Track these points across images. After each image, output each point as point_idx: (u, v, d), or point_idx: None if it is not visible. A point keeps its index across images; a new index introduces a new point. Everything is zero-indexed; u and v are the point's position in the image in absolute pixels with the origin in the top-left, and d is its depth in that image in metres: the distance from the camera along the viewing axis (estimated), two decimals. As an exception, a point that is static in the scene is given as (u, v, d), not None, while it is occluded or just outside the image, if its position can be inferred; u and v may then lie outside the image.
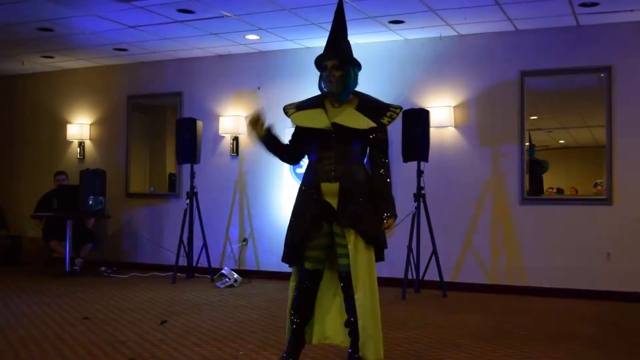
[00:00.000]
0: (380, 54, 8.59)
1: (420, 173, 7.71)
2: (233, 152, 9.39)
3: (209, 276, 8.68)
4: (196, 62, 9.70)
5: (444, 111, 8.18)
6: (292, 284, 4.22)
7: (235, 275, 8.30)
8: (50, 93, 10.90)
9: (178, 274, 8.69)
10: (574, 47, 7.76)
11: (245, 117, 9.11)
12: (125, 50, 9.33)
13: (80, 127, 10.50)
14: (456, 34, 8.19)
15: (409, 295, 7.51)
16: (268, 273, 8.97)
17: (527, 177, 7.95)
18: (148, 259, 9.85)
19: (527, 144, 7.95)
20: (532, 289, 7.74)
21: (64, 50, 9.44)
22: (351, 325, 4.05)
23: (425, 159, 7.72)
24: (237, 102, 9.39)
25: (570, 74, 7.92)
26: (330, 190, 3.99)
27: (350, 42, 4.19)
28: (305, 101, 4.30)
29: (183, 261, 8.84)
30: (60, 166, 10.42)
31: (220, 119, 9.44)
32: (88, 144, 10.55)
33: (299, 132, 4.20)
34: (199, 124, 8.94)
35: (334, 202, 3.98)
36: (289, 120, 4.20)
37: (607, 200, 7.59)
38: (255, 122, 4.12)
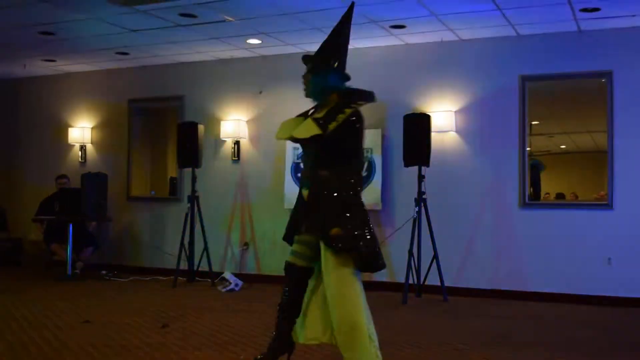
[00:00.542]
0: (382, 58, 8.60)
1: (421, 178, 7.71)
2: (234, 157, 9.39)
3: (209, 280, 8.68)
4: (198, 66, 9.71)
5: (445, 116, 8.19)
6: None
7: (237, 280, 8.30)
8: (51, 96, 10.91)
9: (179, 277, 8.69)
10: (575, 52, 7.77)
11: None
12: (127, 54, 9.35)
13: (81, 130, 10.51)
14: (457, 38, 8.20)
15: (410, 300, 7.50)
16: (269, 277, 8.95)
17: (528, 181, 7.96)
18: (149, 262, 9.85)
19: (528, 149, 7.95)
20: (533, 294, 7.73)
21: (66, 54, 9.45)
22: None
23: (427, 164, 7.73)
24: (239, 106, 9.39)
25: (571, 79, 7.92)
26: (306, 195, 4.06)
27: (346, 47, 4.21)
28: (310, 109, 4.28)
29: (184, 265, 8.84)
30: (62, 169, 10.43)
31: (222, 123, 9.45)
32: (89, 147, 10.56)
33: None
34: (200, 128, 8.96)
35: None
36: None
37: (608, 205, 7.58)
38: None
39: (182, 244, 8.73)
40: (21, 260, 10.67)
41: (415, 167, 7.76)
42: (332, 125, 3.87)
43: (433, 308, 7.24)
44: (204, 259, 8.78)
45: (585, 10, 6.98)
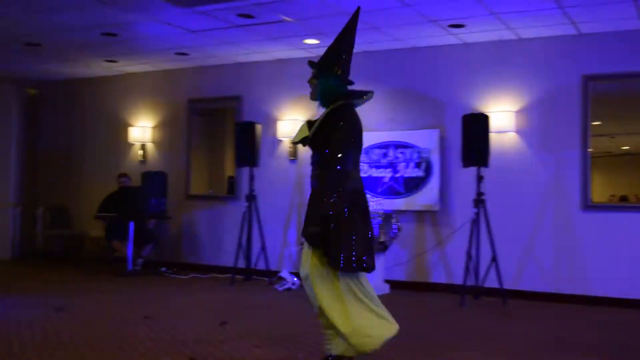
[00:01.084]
0: (440, 58, 8.52)
1: (480, 179, 7.61)
2: (292, 156, 9.43)
3: (266, 279, 8.74)
4: (255, 66, 9.78)
5: (504, 116, 8.06)
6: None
7: (294, 278, 8.34)
8: (113, 96, 11.16)
9: (237, 275, 8.77)
10: (639, 51, 7.56)
11: None
12: (186, 54, 9.48)
13: (142, 130, 10.71)
14: (517, 37, 8.06)
15: (468, 303, 7.41)
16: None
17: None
18: (207, 260, 9.97)
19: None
20: (596, 298, 7.54)
21: (127, 55, 9.65)
22: None
23: (485, 164, 7.62)
24: (296, 106, 9.43)
25: (635, 79, 7.71)
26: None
27: (350, 52, 4.45)
28: None
29: (242, 263, 8.92)
30: (123, 168, 10.65)
31: (279, 122, 9.50)
32: (150, 146, 10.75)
33: None
34: (258, 127, 9.02)
35: None
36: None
37: (675, 208, 7.36)
38: None
39: (239, 242, 8.81)
40: (83, 257, 10.92)
41: (474, 168, 7.66)
42: (312, 128, 4.19)
43: (491, 311, 7.14)
44: (261, 258, 8.85)
45: (651, 7, 6.80)
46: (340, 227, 3.98)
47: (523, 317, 6.84)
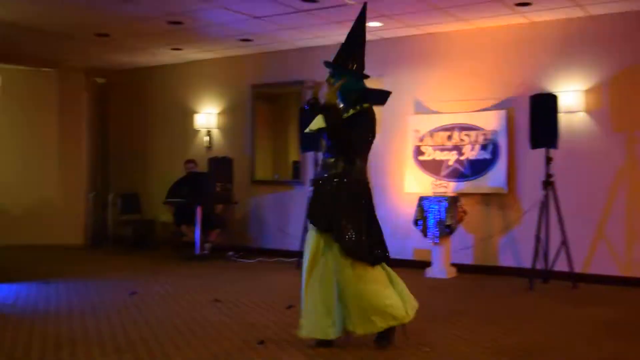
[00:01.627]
0: (506, 37, 8.35)
1: (549, 160, 7.45)
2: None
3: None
4: (318, 51, 9.75)
5: (573, 96, 7.86)
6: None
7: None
8: (178, 84, 11.34)
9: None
10: None
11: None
12: (250, 40, 9.55)
13: (207, 116, 10.85)
14: (586, 14, 7.83)
15: (536, 286, 7.28)
16: (390, 260, 8.92)
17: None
18: (273, 244, 10.07)
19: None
20: (670, 282, 7.33)
21: (192, 43, 9.78)
22: None
23: (554, 146, 7.45)
24: (359, 90, 9.38)
25: None
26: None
27: (363, 47, 4.80)
28: None
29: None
30: (189, 154, 10.83)
31: (343, 106, 9.48)
32: (215, 132, 10.89)
33: None
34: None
35: None
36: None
37: None
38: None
39: (305, 226, 8.85)
40: (153, 241, 11.18)
41: (543, 149, 7.50)
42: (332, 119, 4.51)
43: (561, 295, 6.99)
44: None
45: None
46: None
47: (594, 301, 6.68)
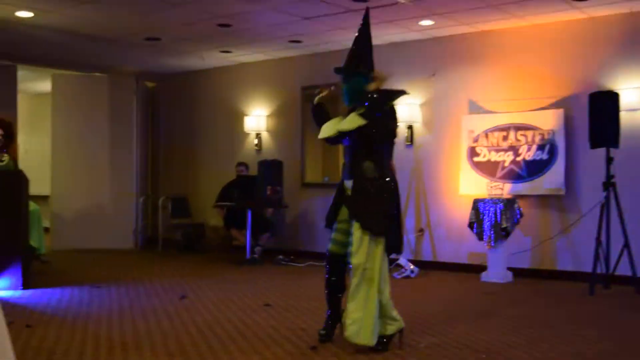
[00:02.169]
0: (562, 34, 8.08)
1: (609, 160, 7.17)
2: (408, 141, 9.23)
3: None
4: (369, 51, 9.63)
5: (636, 93, 7.56)
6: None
7: (412, 266, 8.18)
8: (228, 87, 11.33)
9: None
10: None
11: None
12: (299, 42, 9.47)
13: (257, 119, 10.81)
14: (650, 8, 7.53)
15: (597, 292, 7.00)
16: (444, 264, 8.75)
17: None
18: (323, 248, 9.92)
19: None
20: None
21: (242, 45, 9.75)
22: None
23: (616, 145, 7.17)
24: (411, 90, 9.17)
25: None
26: (350, 186, 4.71)
27: (371, 49, 4.99)
28: None
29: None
30: (239, 157, 10.80)
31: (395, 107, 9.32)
32: (265, 135, 10.85)
33: None
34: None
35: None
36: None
37: None
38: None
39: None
40: (203, 245, 11.18)
41: (603, 149, 7.22)
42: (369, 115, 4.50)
43: (623, 301, 6.71)
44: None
45: None
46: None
47: (660, 307, 6.40)
